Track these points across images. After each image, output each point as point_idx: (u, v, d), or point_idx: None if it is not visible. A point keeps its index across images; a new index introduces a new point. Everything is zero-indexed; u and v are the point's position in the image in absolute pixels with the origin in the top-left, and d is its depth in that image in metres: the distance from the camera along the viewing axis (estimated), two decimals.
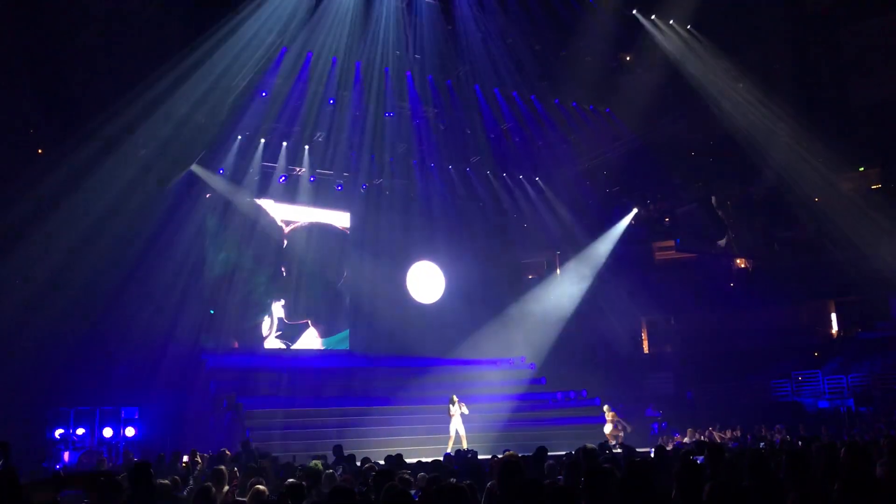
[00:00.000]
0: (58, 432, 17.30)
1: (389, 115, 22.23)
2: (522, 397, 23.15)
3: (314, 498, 7.55)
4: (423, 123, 22.57)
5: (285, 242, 23.82)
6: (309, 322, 23.77)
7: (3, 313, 17.06)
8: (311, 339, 23.65)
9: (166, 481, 7.66)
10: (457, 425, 18.29)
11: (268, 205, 23.49)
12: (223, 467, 8.91)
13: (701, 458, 8.02)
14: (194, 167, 20.87)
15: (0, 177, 17.51)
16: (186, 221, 21.48)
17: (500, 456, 10.24)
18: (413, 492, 6.56)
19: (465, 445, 17.25)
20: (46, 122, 17.51)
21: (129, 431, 17.93)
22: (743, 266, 28.98)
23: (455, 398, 18.53)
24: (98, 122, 17.19)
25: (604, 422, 20.34)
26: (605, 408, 20.35)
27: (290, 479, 7.38)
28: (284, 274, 23.60)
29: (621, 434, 19.50)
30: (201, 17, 17.40)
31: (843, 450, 6.88)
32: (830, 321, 27.76)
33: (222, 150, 21.64)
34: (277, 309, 23.27)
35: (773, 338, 25.93)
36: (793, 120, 22.03)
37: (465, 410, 18.43)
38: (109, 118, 17.26)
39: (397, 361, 23.71)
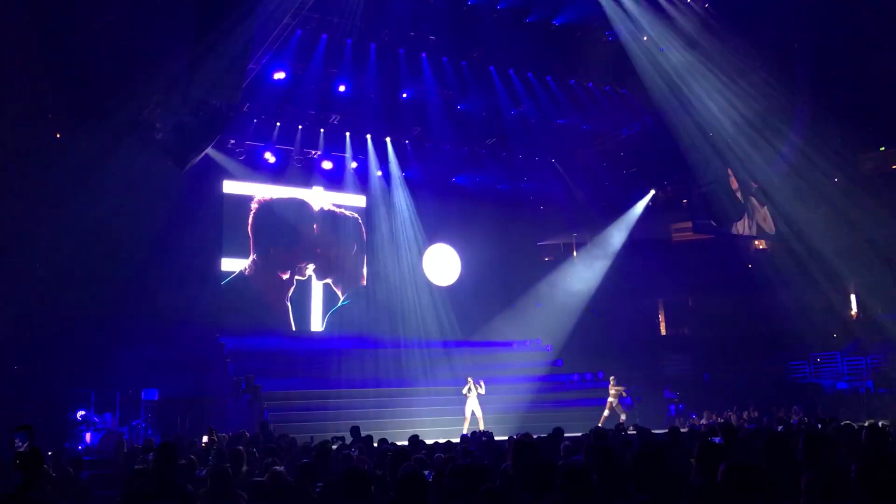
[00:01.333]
0: (79, 414, 17.53)
1: (405, 96, 22.15)
2: (539, 379, 23.16)
3: (330, 477, 7.61)
4: (439, 105, 22.46)
5: (315, 227, 24.02)
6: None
7: (24, 296, 17.24)
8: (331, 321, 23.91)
9: (184, 462, 7.74)
10: (473, 406, 18.41)
11: (286, 189, 23.63)
12: (242, 448, 8.99)
13: (719, 439, 8.01)
14: (210, 151, 20.94)
15: (20, 161, 17.63)
16: (203, 204, 21.61)
17: (515, 437, 10.27)
18: (426, 472, 6.59)
19: (481, 426, 17.30)
20: (63, 107, 17.57)
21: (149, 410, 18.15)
22: (762, 247, 28.74)
23: (470, 380, 18.61)
24: (114, 106, 17.25)
25: (624, 402, 20.40)
26: (612, 379, 20.51)
27: (305, 460, 7.44)
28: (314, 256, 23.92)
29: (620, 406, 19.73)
30: (216, 2, 17.36)
31: (863, 431, 6.84)
32: (850, 303, 27.52)
33: (238, 133, 21.71)
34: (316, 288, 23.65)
35: (791, 319, 25.75)
36: (811, 98, 21.75)
37: (483, 391, 18.51)
38: (125, 101, 17.31)
39: (414, 344, 23.78)
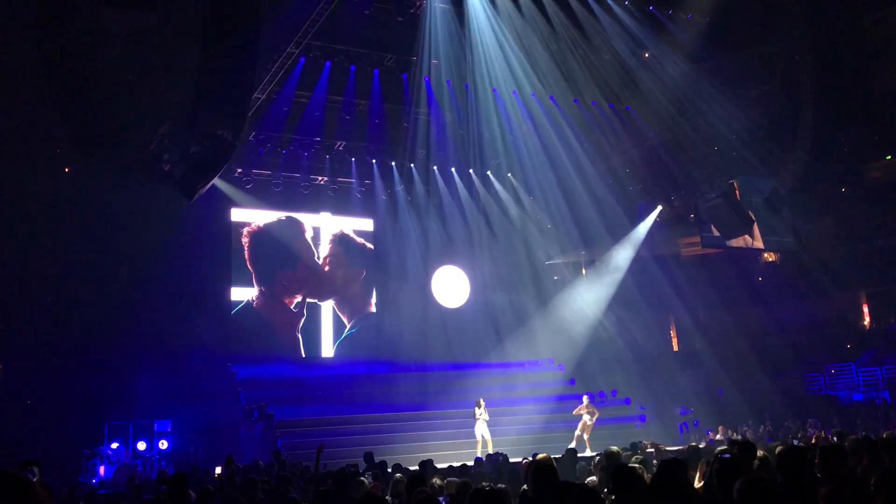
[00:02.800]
0: (92, 447, 17.54)
1: (408, 121, 22.29)
2: (552, 399, 23.02)
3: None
4: (443, 127, 22.58)
5: (316, 253, 24.08)
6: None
7: (36, 328, 17.33)
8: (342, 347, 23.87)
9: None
10: (482, 430, 18.16)
11: (293, 214, 23.76)
12: (256, 477, 8.98)
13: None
14: (217, 181, 21.07)
15: (30, 196, 17.80)
16: (211, 232, 21.71)
17: (529, 458, 10.20)
18: (441, 498, 6.55)
19: (490, 449, 17.16)
20: (72, 140, 17.75)
21: (163, 444, 18.13)
22: (771, 259, 28.64)
23: (482, 401, 18.41)
24: (121, 139, 17.41)
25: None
26: (585, 398, 19.71)
27: (321, 488, 7.42)
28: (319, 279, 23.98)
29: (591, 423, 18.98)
30: (219, 31, 17.53)
31: (881, 443, 6.77)
32: (862, 313, 27.36)
33: (244, 161, 21.85)
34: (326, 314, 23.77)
35: (804, 331, 25.60)
36: (816, 110, 21.74)
37: (486, 416, 18.22)
38: (132, 134, 17.49)
39: (426, 367, 23.72)
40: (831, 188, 24.03)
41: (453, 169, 25.01)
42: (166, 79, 17.02)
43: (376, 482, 9.50)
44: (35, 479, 3.98)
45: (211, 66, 14.70)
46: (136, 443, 17.99)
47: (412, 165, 24.52)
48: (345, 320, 24.55)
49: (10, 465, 8.43)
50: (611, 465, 7.13)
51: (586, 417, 18.91)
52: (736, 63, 21.47)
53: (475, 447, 17.93)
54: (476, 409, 18.22)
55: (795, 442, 14.72)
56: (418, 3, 18.59)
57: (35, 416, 17.25)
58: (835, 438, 11.80)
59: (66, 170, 19.68)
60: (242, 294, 22.75)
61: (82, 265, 18.20)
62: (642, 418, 22.36)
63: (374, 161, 23.90)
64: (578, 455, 11.23)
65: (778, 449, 6.16)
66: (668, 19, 20.59)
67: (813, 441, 13.03)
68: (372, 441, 16.90)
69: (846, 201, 24.60)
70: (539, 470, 5.38)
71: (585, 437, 18.46)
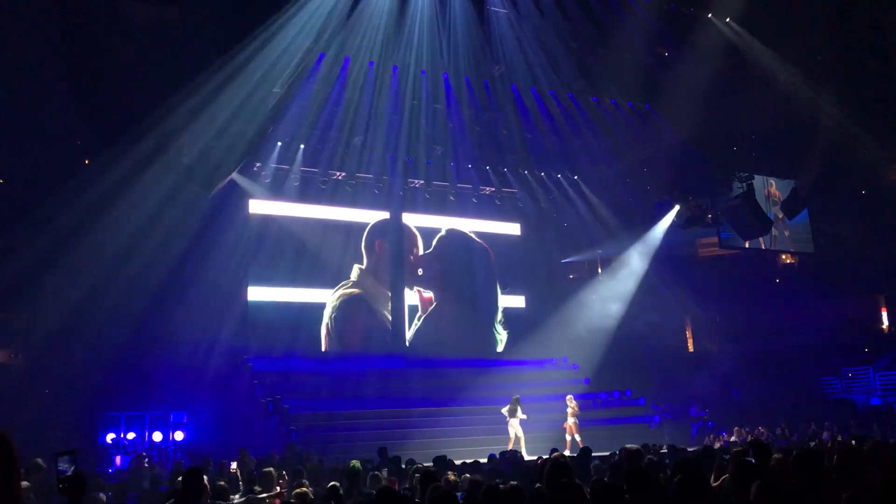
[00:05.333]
0: (109, 437, 17.69)
1: (427, 117, 22.28)
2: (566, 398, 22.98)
3: (356, 497, 7.61)
4: (461, 124, 22.56)
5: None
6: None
7: (52, 321, 17.48)
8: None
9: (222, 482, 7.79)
10: (516, 428, 18.16)
11: (309, 207, 23.82)
12: (271, 469, 9.03)
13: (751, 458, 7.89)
14: (235, 175, 21.17)
15: (48, 187, 17.94)
16: (228, 227, 21.78)
17: (545, 457, 10.19)
18: (458, 494, 6.55)
19: (523, 447, 17.39)
20: (91, 133, 17.89)
21: (178, 435, 18.26)
22: (789, 261, 28.46)
23: (518, 399, 18.43)
24: (140, 132, 17.53)
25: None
26: (569, 398, 19.71)
27: (333, 482, 7.45)
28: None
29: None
30: (239, 26, 17.63)
31: None
32: (881, 316, 27.13)
33: (262, 156, 21.92)
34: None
35: (821, 334, 25.42)
36: (838, 111, 21.59)
37: (522, 416, 18.33)
38: (151, 127, 17.59)
39: (440, 363, 23.73)
40: (852, 190, 23.81)
41: (470, 165, 24.96)
42: (187, 73, 17.11)
43: (392, 477, 9.54)
44: (72, 469, 4.05)
45: (232, 63, 14.77)
46: (152, 433, 18.15)
47: (428, 161, 24.48)
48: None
49: (29, 453, 8.53)
50: (630, 462, 7.12)
51: (570, 419, 18.99)
52: (756, 62, 21.33)
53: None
54: (516, 407, 18.28)
55: (812, 445, 14.64)
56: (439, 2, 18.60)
57: (52, 406, 17.40)
58: (852, 442, 11.72)
59: (86, 162, 19.84)
60: (261, 291, 22.75)
61: (99, 256, 18.32)
62: (656, 419, 22.26)
63: (390, 156, 23.88)
64: (593, 454, 11.18)
65: (794, 452, 6.12)
66: (689, 17, 20.49)
67: (829, 445, 12.93)
68: (386, 436, 16.91)
69: (866, 203, 24.37)
70: (554, 469, 5.37)
71: (577, 438, 18.43)
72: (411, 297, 25.13)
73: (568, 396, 19.75)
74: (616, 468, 7.21)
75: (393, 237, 24.98)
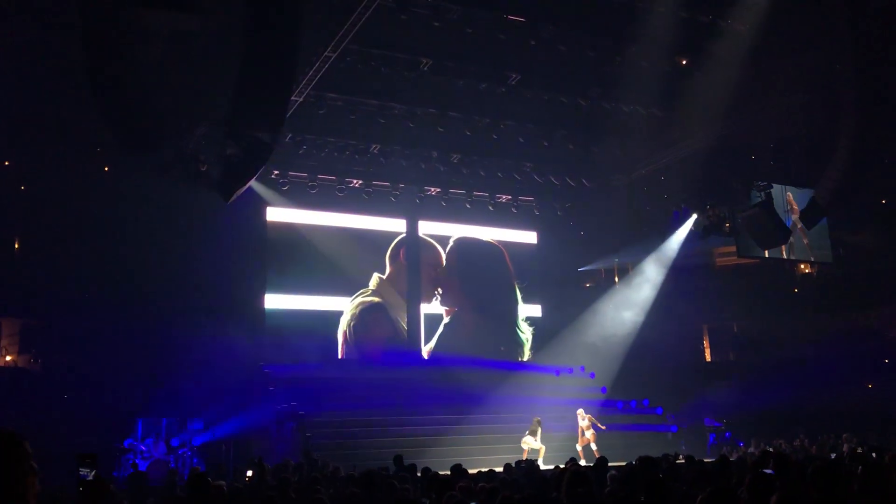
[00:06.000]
0: (127, 442, 17.79)
1: (443, 124, 22.28)
2: (583, 404, 22.86)
3: None
4: (477, 132, 22.53)
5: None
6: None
7: (69, 326, 17.62)
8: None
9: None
10: (530, 442, 18.47)
11: (326, 215, 23.91)
12: (287, 477, 9.05)
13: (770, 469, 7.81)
14: (253, 182, 21.25)
15: (70, 195, 18.13)
16: (245, 234, 21.89)
17: (562, 466, 10.15)
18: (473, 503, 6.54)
19: (541, 456, 17.47)
20: (111, 140, 18.04)
21: (195, 441, 18.34)
22: (808, 271, 28.22)
23: (539, 421, 18.74)
24: (160, 139, 17.64)
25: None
26: (580, 412, 19.74)
27: (352, 489, 7.45)
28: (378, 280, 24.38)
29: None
30: (260, 33, 17.69)
31: None
32: None
33: (281, 162, 22.01)
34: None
35: (840, 344, 25.14)
36: (857, 119, 21.37)
37: (538, 439, 18.49)
38: (170, 135, 17.70)
39: (456, 367, 23.66)
40: (872, 199, 23.58)
41: (483, 172, 24.93)
42: (205, 81, 17.22)
43: (406, 485, 9.52)
44: (94, 473, 4.12)
45: (250, 69, 14.84)
46: (170, 439, 18.24)
47: (443, 168, 24.49)
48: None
49: (48, 458, 8.59)
50: (646, 473, 7.08)
51: (587, 432, 19.12)
52: (775, 71, 21.19)
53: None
54: (532, 427, 18.59)
55: (832, 456, 14.50)
56: (454, 8, 18.53)
57: (71, 411, 17.53)
58: (873, 454, 11.60)
59: (106, 168, 20.02)
60: (278, 299, 22.83)
61: (119, 262, 18.46)
62: (673, 428, 22.12)
63: (403, 163, 23.90)
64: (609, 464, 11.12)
65: (814, 464, 6.06)
66: (707, 25, 20.37)
67: (848, 456, 12.80)
68: (402, 444, 16.91)
69: (886, 213, 24.14)
70: (573, 479, 5.34)
71: (594, 447, 18.40)
72: (433, 304, 25.20)
73: (579, 411, 19.69)
74: (630, 479, 7.16)
75: (412, 249, 25.05)
